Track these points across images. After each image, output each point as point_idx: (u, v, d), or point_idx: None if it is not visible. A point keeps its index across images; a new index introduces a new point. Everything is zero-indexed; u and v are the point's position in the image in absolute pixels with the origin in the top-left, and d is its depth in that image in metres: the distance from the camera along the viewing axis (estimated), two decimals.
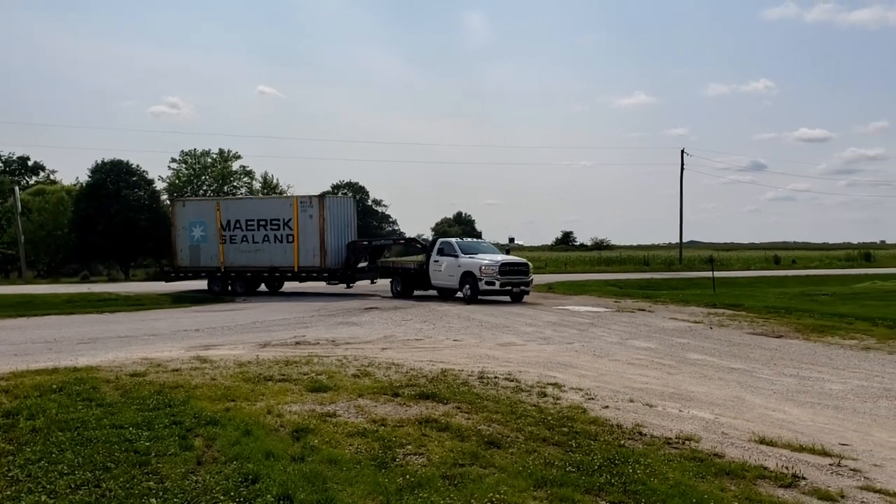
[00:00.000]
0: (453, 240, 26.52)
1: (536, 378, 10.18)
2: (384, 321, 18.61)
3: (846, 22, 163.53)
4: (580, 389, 9.46)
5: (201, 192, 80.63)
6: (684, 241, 68.15)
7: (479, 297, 24.33)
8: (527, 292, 25.03)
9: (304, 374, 10.07)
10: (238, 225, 29.60)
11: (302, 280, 29.80)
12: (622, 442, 6.82)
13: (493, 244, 28.36)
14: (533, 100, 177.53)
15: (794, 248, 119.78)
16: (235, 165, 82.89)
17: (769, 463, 6.26)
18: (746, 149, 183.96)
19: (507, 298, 24.81)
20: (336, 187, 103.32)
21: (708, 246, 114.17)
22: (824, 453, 6.61)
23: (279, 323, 18.40)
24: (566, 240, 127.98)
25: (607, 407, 8.46)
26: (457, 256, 25.14)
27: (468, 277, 24.42)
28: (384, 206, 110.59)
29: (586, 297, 26.97)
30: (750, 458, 6.43)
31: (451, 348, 13.58)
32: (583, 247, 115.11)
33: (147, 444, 6.47)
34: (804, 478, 5.88)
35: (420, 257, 27.85)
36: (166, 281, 31.83)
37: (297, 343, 14.27)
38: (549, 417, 7.67)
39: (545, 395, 8.98)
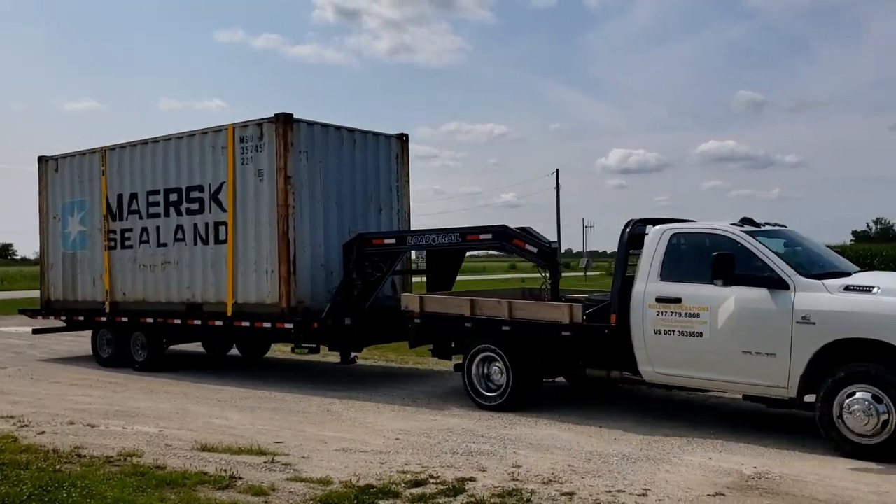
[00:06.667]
0: (740, 232, 7.52)
1: None
2: None
3: (290, 53, 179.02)
4: (12, 417, 8.70)
5: None
6: None
7: None
8: None
9: None
10: (135, 205, 12.86)
11: (248, 335, 12.15)
12: (58, 467, 6.45)
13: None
14: None
15: None
16: None
17: (209, 468, 6.54)
18: None
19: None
20: None
21: None
22: (260, 452, 7.13)
23: None
24: (5, 253, 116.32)
25: (43, 432, 7.91)
26: (784, 285, 6.97)
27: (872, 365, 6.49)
28: None
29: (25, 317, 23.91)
30: (191, 466, 6.63)
31: None
32: (25, 261, 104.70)
33: None
34: (241, 478, 6.28)
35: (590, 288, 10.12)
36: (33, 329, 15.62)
37: None
38: None
39: None
